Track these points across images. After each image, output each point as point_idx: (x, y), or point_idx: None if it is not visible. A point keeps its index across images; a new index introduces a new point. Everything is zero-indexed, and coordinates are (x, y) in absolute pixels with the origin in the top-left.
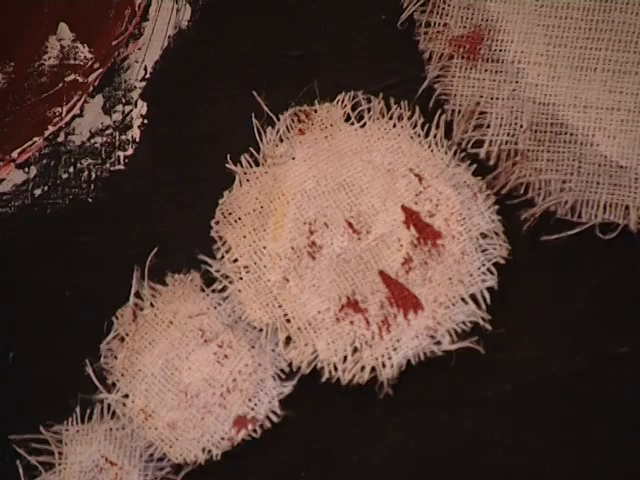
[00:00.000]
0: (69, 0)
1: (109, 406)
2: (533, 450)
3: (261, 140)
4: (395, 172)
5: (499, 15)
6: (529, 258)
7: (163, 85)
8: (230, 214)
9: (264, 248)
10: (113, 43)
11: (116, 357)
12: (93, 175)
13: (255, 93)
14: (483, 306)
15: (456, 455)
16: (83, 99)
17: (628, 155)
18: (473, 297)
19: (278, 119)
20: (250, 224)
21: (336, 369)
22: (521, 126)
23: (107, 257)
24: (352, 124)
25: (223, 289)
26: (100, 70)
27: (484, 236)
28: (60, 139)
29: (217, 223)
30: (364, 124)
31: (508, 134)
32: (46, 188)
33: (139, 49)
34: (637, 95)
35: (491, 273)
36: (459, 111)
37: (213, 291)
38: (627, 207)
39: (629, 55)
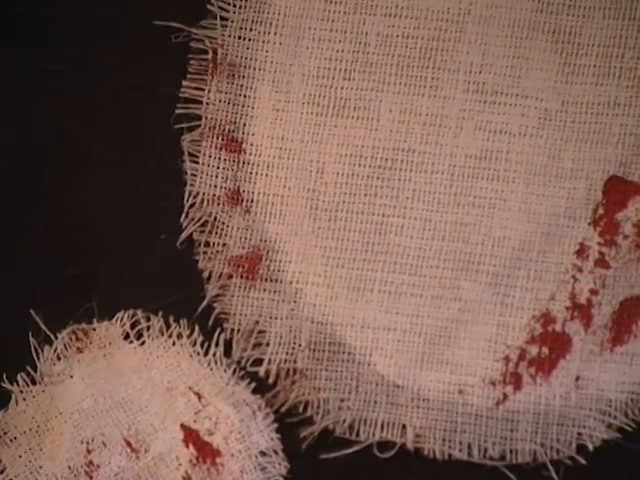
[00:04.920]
0: None
1: None
2: None
3: (38, 358)
4: (174, 390)
5: (277, 236)
6: (308, 476)
7: None
8: (5, 433)
9: (40, 467)
10: None
11: None
12: None
13: (32, 311)
14: None
15: None
16: None
17: (404, 374)
18: None
19: (56, 337)
20: (26, 443)
21: None
22: (300, 345)
23: None
24: (131, 342)
25: None
26: None
27: (263, 454)
28: None
29: None
30: (143, 342)
31: (287, 353)
32: None
33: None
34: (413, 316)
35: None
36: (238, 330)
37: None
38: (404, 426)
39: (404, 277)
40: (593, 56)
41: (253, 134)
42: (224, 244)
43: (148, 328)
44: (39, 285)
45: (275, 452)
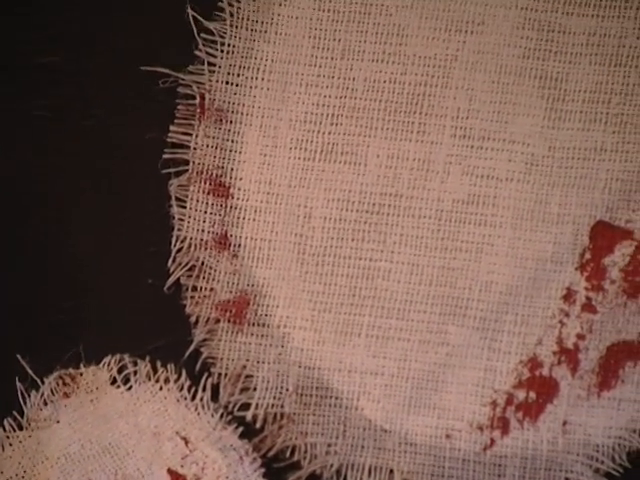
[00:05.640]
0: None
1: None
2: None
3: (25, 403)
4: (161, 435)
5: (265, 281)
6: None
7: None
8: None
9: None
10: None
11: None
12: None
13: (19, 356)
14: None
15: None
16: None
17: (392, 419)
18: None
19: (43, 382)
20: None
21: None
22: (287, 389)
23: None
24: (118, 387)
25: None
26: None
27: None
28: None
29: None
30: (130, 387)
31: (274, 397)
32: None
33: None
34: (400, 360)
35: None
36: (225, 374)
37: None
38: (391, 471)
39: (392, 321)
40: (580, 102)
41: (241, 179)
42: (211, 289)
43: (135, 373)
44: (26, 330)
45: None
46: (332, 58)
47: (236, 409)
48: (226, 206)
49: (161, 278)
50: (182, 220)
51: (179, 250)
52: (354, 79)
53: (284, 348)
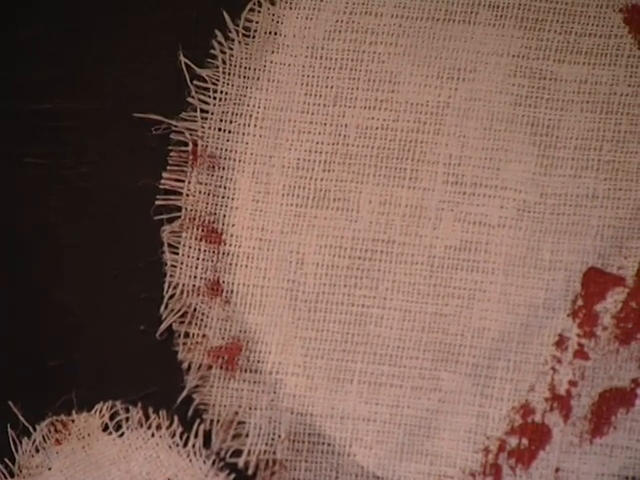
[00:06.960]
0: None
1: None
2: None
3: (17, 450)
4: None
5: (257, 327)
6: None
7: None
8: None
9: None
10: None
11: None
12: None
13: (11, 403)
14: None
15: None
16: None
17: (384, 465)
18: None
19: (35, 429)
20: None
21: None
22: (279, 436)
23: None
24: (110, 434)
25: None
26: None
27: None
28: None
29: None
30: (122, 434)
31: (266, 444)
32: None
33: None
34: (392, 407)
35: None
36: (218, 420)
37: None
38: None
39: (384, 368)
40: (571, 148)
41: (233, 225)
42: (204, 335)
43: (127, 419)
44: (17, 377)
45: None
46: (324, 105)
47: (228, 455)
48: (218, 252)
49: (153, 324)
50: (174, 266)
51: (171, 296)
52: (346, 126)
53: (276, 394)
